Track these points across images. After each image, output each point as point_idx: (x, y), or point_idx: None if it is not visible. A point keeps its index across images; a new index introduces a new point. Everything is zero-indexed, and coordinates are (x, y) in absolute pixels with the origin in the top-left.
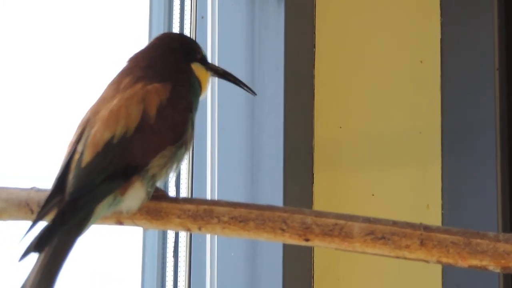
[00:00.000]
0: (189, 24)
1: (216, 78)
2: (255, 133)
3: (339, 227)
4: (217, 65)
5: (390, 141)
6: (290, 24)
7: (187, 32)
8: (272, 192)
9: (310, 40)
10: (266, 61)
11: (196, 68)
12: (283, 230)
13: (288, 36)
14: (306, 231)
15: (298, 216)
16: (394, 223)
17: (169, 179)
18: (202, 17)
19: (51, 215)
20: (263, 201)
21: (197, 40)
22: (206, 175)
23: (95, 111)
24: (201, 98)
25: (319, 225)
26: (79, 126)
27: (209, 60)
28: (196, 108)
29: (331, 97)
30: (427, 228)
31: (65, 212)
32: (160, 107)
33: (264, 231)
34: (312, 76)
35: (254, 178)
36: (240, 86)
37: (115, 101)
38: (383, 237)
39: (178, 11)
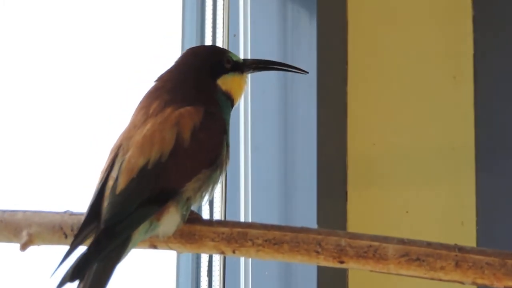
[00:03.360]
0: (221, 43)
1: (250, 94)
2: (288, 152)
3: (374, 249)
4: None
5: (423, 158)
6: (322, 41)
7: None
8: (305, 212)
9: (342, 57)
10: (299, 79)
11: (225, 81)
12: (317, 252)
13: (321, 54)
14: (340, 253)
15: (332, 238)
16: (429, 244)
17: (204, 202)
18: (234, 35)
19: (87, 243)
20: (297, 221)
21: None
22: (239, 196)
23: (127, 137)
24: (234, 107)
25: (353, 247)
26: (111, 152)
27: None
28: (228, 126)
29: (364, 114)
30: (462, 249)
31: (101, 239)
32: (194, 131)
33: (298, 254)
34: (344, 93)
35: (288, 198)
36: (288, 70)
37: (148, 126)
38: (418, 259)
39: (210, 29)
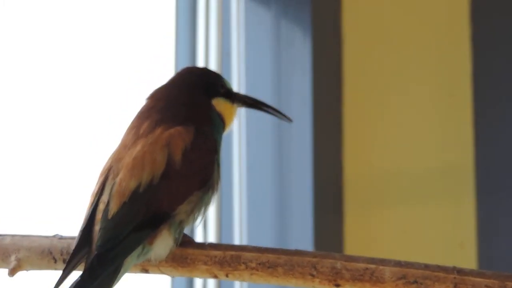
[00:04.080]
0: (215, 62)
1: (244, 114)
2: (283, 172)
3: (370, 272)
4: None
5: (421, 177)
6: (317, 60)
7: (212, 68)
8: (301, 234)
9: (338, 75)
10: (293, 98)
11: (219, 103)
12: (312, 275)
13: (316, 72)
14: (336, 276)
15: (327, 260)
16: (426, 266)
17: (196, 224)
18: (227, 54)
19: (78, 269)
20: (292, 243)
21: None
22: (234, 218)
23: (117, 159)
24: (225, 133)
25: (349, 269)
26: (100, 175)
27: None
28: (219, 146)
29: (360, 133)
30: (460, 271)
31: (94, 266)
32: (185, 151)
33: (293, 277)
34: (340, 111)
35: (283, 219)
36: (274, 114)
37: (138, 147)
38: (416, 282)
39: (203, 49)
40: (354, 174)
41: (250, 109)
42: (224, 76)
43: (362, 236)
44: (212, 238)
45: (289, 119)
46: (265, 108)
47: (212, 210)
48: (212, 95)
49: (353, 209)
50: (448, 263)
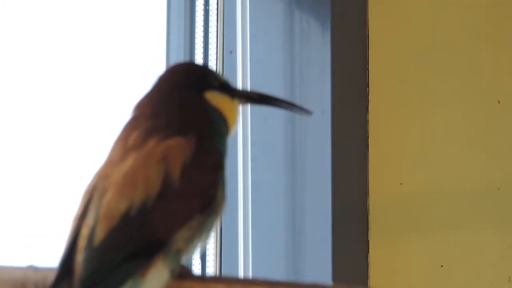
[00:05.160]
0: (215, 61)
1: (249, 121)
2: (296, 193)
3: None
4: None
5: (462, 200)
6: (338, 58)
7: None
8: (318, 267)
9: (362, 79)
10: (310, 104)
11: (214, 97)
12: None
13: (336, 74)
14: None
15: None
16: None
17: (195, 253)
18: (231, 52)
19: None
20: (308, 276)
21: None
22: (238, 247)
23: (103, 176)
24: (229, 135)
25: None
26: (84, 195)
27: None
28: (225, 158)
29: (389, 147)
30: None
31: None
32: (185, 167)
33: None
34: (365, 122)
35: (297, 249)
36: (288, 109)
37: (128, 162)
38: None
39: (201, 45)
40: (382, 195)
41: (256, 106)
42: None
43: (390, 269)
44: (211, 269)
45: (307, 112)
46: (276, 102)
47: (211, 238)
48: (203, 89)
49: (380, 237)
50: None
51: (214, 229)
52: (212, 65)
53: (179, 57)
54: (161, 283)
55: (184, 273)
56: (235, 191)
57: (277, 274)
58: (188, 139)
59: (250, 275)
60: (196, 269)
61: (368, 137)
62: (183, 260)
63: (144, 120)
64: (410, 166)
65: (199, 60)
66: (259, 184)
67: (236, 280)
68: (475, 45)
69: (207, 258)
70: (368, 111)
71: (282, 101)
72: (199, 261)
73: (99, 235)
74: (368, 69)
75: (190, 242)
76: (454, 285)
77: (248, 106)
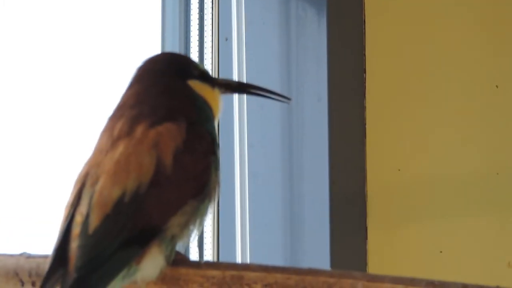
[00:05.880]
0: (211, 48)
1: (246, 109)
2: (294, 180)
3: None
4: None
5: (460, 185)
6: (334, 45)
7: (208, 58)
8: (316, 253)
9: (359, 64)
10: (306, 91)
11: (196, 85)
12: None
13: (332, 59)
14: None
15: (346, 281)
16: (464, 286)
17: (191, 239)
18: (226, 39)
19: None
20: (306, 263)
21: (221, 67)
22: (235, 233)
23: (94, 164)
24: (215, 124)
25: None
26: (76, 183)
27: None
28: (217, 144)
29: (386, 133)
30: None
31: None
32: (177, 153)
33: None
34: (362, 108)
35: (295, 235)
36: (268, 97)
37: (119, 149)
38: None
39: (197, 32)
40: (380, 181)
41: (236, 95)
42: (223, 67)
43: (388, 255)
44: (208, 257)
45: (287, 99)
46: (255, 91)
47: (208, 223)
48: (185, 78)
49: (378, 223)
50: (494, 285)
51: (208, 214)
52: (208, 52)
53: (174, 45)
54: (156, 269)
55: (179, 259)
56: (232, 179)
57: (275, 261)
58: (179, 125)
59: (247, 261)
60: (194, 256)
61: (366, 124)
62: (179, 246)
63: (128, 109)
64: (407, 153)
65: (194, 47)
66: (257, 172)
67: (231, 266)
68: (473, 30)
69: (205, 245)
70: (365, 97)
71: (262, 89)
72: (197, 248)
73: (94, 222)
74: (365, 55)
75: (184, 227)
76: (453, 270)
77: (235, 96)
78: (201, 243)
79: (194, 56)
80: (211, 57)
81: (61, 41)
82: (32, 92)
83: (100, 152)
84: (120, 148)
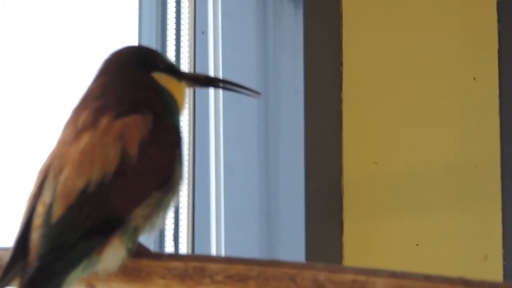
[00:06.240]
0: (187, 42)
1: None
2: (270, 173)
3: (360, 285)
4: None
5: (437, 178)
6: (311, 38)
7: (184, 51)
8: (292, 245)
9: (336, 56)
10: (282, 83)
11: (162, 79)
12: None
13: (309, 52)
14: None
15: (308, 272)
16: (427, 278)
17: (154, 232)
18: (203, 33)
19: (14, 284)
20: (282, 256)
21: (197, 60)
22: (210, 227)
23: (57, 155)
24: (180, 118)
25: (334, 282)
26: (39, 175)
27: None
28: (180, 137)
29: (363, 126)
30: (467, 282)
31: (35, 280)
32: (143, 144)
33: None
34: (339, 100)
35: (270, 229)
36: (236, 91)
37: (84, 140)
38: None
39: (174, 26)
40: (356, 174)
41: (203, 89)
42: (199, 61)
43: (364, 248)
44: (184, 251)
45: (256, 93)
46: (223, 85)
47: (184, 217)
48: (151, 70)
49: (354, 216)
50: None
51: (171, 207)
52: (184, 46)
53: (151, 39)
54: (117, 261)
55: (141, 251)
56: (207, 172)
57: (251, 254)
58: (145, 117)
59: (222, 255)
60: (170, 249)
61: (342, 117)
62: (140, 238)
63: (93, 100)
64: (384, 145)
65: (171, 41)
66: (232, 165)
67: (193, 257)
68: (451, 23)
69: (180, 239)
70: (342, 90)
71: (231, 83)
72: (172, 242)
73: (57, 212)
74: (342, 48)
75: (147, 219)
76: (430, 263)
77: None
78: (176, 237)
79: (170, 49)
80: (187, 50)
81: (37, 36)
82: (33, 92)
83: (64, 144)
84: (85, 139)
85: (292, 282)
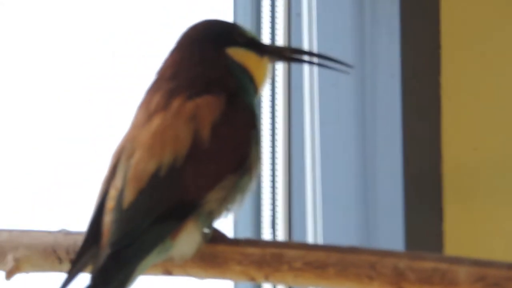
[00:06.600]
0: (282, 24)
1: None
2: (367, 159)
3: (440, 273)
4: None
5: None
6: (407, 19)
7: (279, 34)
8: (390, 234)
9: (434, 38)
10: (378, 67)
11: (238, 53)
12: (370, 277)
13: (406, 35)
14: (399, 278)
15: (389, 260)
16: (510, 266)
17: (231, 215)
18: (298, 15)
19: (88, 269)
20: (381, 245)
21: (292, 43)
22: (306, 215)
23: (130, 138)
24: (257, 95)
25: (414, 270)
26: (112, 158)
27: None
28: (258, 117)
29: (463, 111)
30: None
31: (109, 267)
32: (215, 126)
33: (346, 279)
34: (437, 85)
35: (368, 216)
36: (326, 66)
37: (156, 122)
38: (497, 284)
39: (269, 7)
40: (456, 160)
41: (290, 64)
42: (294, 43)
43: (467, 238)
44: (281, 237)
45: (348, 66)
46: (311, 59)
47: (280, 205)
48: (225, 45)
49: (455, 203)
50: None
51: (250, 190)
52: (279, 28)
53: (246, 21)
54: (192, 246)
55: (217, 236)
56: (302, 159)
57: (348, 241)
58: (218, 97)
59: (320, 242)
60: (267, 237)
61: (441, 101)
62: (216, 223)
63: (165, 82)
64: (484, 131)
65: (266, 23)
66: (329, 150)
67: (270, 244)
68: None
69: (277, 226)
70: (440, 74)
71: (319, 55)
72: (270, 229)
73: (129, 196)
74: (440, 30)
75: (223, 203)
76: None
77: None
78: (273, 222)
79: (265, 32)
80: (282, 33)
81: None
82: (40, 89)
83: (137, 126)
84: (156, 121)
85: (372, 269)
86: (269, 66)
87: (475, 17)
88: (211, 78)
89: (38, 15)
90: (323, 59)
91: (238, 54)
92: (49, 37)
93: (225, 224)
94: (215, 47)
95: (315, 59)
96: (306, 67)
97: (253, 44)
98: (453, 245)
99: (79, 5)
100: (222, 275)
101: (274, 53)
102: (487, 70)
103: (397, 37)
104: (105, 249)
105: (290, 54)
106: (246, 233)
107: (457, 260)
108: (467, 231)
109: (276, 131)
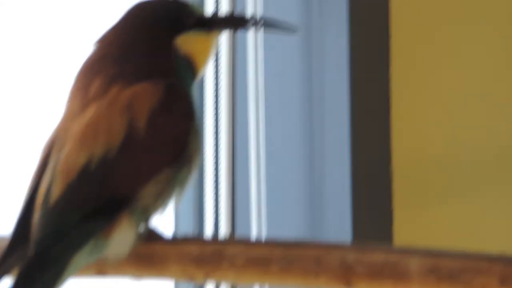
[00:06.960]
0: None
1: (262, 75)
2: (314, 150)
3: (391, 265)
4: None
5: (492, 161)
6: (356, 10)
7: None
8: (338, 226)
9: (383, 29)
10: (328, 54)
11: (187, 41)
12: (316, 273)
13: (355, 18)
14: (346, 272)
15: (335, 253)
16: (465, 256)
17: (170, 210)
18: None
19: (14, 271)
20: (329, 238)
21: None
22: (250, 210)
23: (62, 129)
24: (195, 81)
25: (363, 263)
26: (43, 150)
27: None
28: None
29: (413, 103)
30: (509, 261)
31: (32, 269)
32: (152, 115)
33: (291, 275)
34: (387, 78)
35: (314, 209)
36: (270, 30)
37: (89, 112)
38: (450, 276)
39: None
40: (406, 153)
41: (236, 31)
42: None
43: (416, 236)
44: (224, 233)
45: (292, 29)
46: (256, 25)
47: (223, 200)
48: (176, 32)
49: (405, 203)
50: None
51: (188, 184)
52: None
53: None
54: (127, 244)
55: (154, 235)
56: (246, 151)
57: (295, 234)
58: (156, 85)
59: (263, 235)
60: (209, 232)
61: (390, 92)
62: (154, 219)
63: (110, 64)
64: (436, 123)
65: None
66: (274, 141)
67: (210, 241)
68: None
69: (220, 220)
70: (389, 64)
71: (263, 21)
72: (212, 225)
73: (56, 191)
74: (389, 16)
75: (159, 198)
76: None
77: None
78: (216, 219)
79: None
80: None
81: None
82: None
83: (72, 115)
84: (91, 110)
85: (317, 264)
86: (216, 39)
87: (425, 12)
88: (155, 67)
89: (38, 15)
90: (269, 24)
91: (187, 41)
92: (49, 37)
93: (166, 220)
94: (163, 36)
95: (261, 24)
96: (250, 53)
97: (201, 22)
98: (402, 236)
99: (79, 5)
100: (160, 275)
101: (221, 23)
102: (437, 65)
103: (345, 14)
104: (31, 249)
105: (234, 22)
106: (188, 229)
107: (408, 252)
108: (416, 230)
109: (219, 123)
